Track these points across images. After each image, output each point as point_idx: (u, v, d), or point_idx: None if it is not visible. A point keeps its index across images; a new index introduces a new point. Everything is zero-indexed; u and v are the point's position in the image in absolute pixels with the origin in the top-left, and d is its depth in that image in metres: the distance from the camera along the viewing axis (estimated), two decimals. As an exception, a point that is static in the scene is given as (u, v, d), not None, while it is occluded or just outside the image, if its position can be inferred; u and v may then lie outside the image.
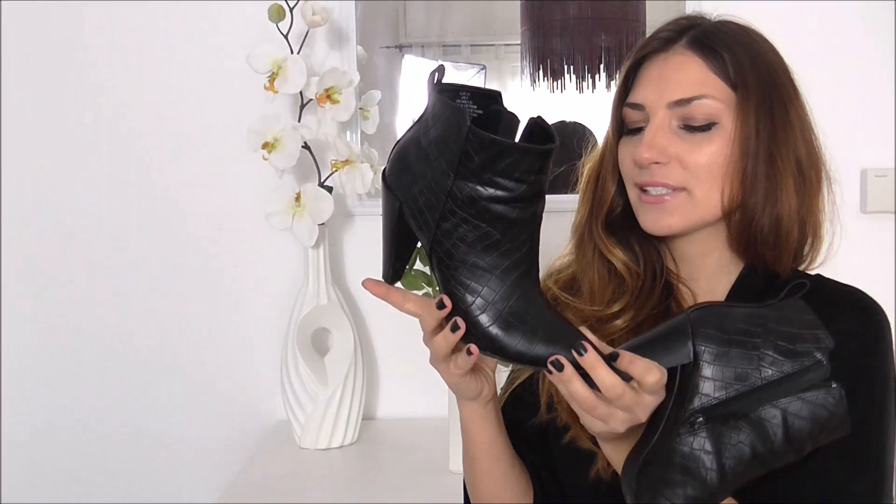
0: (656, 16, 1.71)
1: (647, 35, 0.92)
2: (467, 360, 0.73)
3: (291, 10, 1.53)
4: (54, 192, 1.72)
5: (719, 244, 0.89)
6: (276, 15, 1.51)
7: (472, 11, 1.75)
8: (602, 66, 1.70)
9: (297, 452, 1.56)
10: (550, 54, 1.71)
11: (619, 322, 0.88)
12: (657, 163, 0.84)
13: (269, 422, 1.73)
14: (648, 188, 0.86)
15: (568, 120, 1.74)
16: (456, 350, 0.74)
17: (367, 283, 0.76)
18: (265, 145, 1.49)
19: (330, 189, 1.54)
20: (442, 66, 0.75)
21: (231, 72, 1.65)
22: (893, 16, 1.66)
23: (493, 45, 1.78)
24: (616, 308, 0.89)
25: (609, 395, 0.66)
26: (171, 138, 1.71)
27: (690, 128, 0.84)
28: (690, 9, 1.64)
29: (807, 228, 0.87)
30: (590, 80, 1.71)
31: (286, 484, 1.42)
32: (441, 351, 0.74)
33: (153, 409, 1.75)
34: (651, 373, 0.66)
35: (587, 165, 0.96)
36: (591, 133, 1.73)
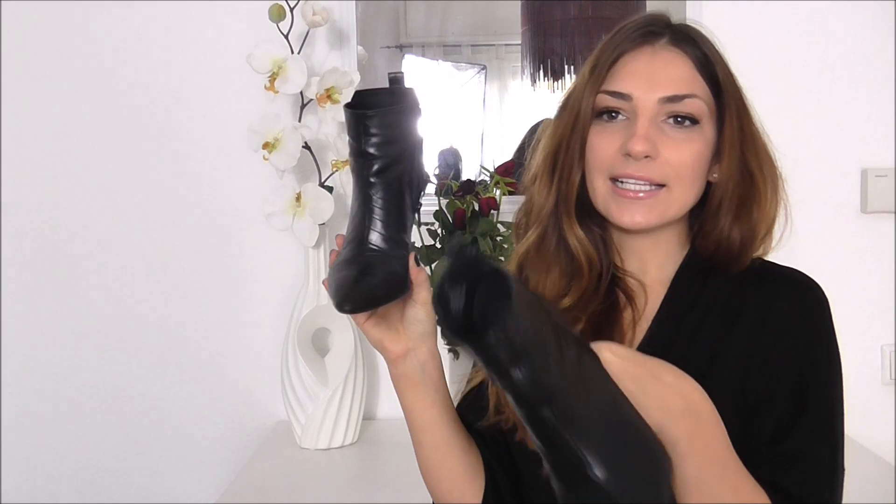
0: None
1: (618, 29, 0.90)
2: None
3: (292, 10, 1.53)
4: (54, 192, 1.72)
5: (671, 237, 0.90)
6: (277, 15, 1.51)
7: (472, 11, 1.75)
8: (602, 66, 1.70)
9: (298, 452, 1.56)
10: (551, 54, 1.72)
11: (568, 319, 0.86)
12: (648, 156, 0.83)
13: (269, 422, 1.73)
14: (625, 181, 0.84)
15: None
16: None
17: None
18: (266, 145, 1.49)
19: (330, 189, 1.54)
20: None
21: (231, 72, 1.65)
22: (893, 16, 1.66)
23: (493, 45, 1.78)
24: (567, 302, 0.88)
25: None
26: (171, 138, 1.71)
27: (678, 124, 0.85)
28: (690, 9, 1.64)
29: (770, 230, 0.89)
30: (590, 80, 1.71)
31: (286, 484, 1.42)
32: None
33: (153, 409, 1.75)
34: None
35: (542, 154, 0.92)
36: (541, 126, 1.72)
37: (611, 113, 0.86)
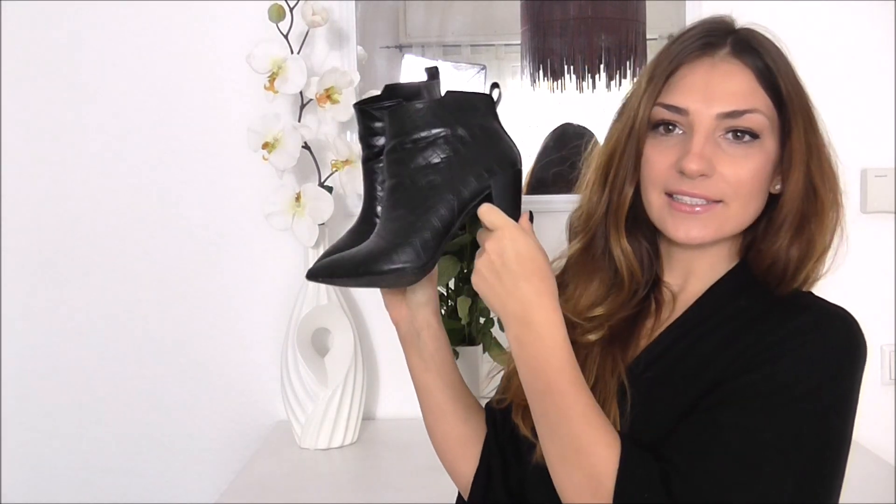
0: (656, 16, 1.72)
1: (679, 36, 0.89)
2: None
3: (291, 10, 1.53)
4: (54, 193, 1.72)
5: (720, 249, 0.88)
6: (277, 15, 1.51)
7: (472, 11, 1.75)
8: (602, 66, 1.70)
9: (297, 452, 1.56)
10: (550, 54, 1.72)
11: (592, 326, 0.87)
12: (704, 175, 0.81)
13: (269, 422, 1.73)
14: (682, 197, 0.82)
15: (574, 123, 1.74)
16: None
17: None
18: (265, 145, 1.49)
19: (330, 189, 1.54)
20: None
21: (231, 72, 1.65)
22: (893, 16, 1.66)
23: (493, 45, 1.78)
24: (599, 312, 0.87)
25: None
26: (171, 138, 1.71)
27: (736, 139, 0.82)
28: (690, 9, 1.64)
29: (825, 249, 0.85)
30: (590, 80, 1.71)
31: (286, 484, 1.42)
32: None
33: (153, 409, 1.75)
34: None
35: (596, 161, 0.91)
36: (592, 136, 1.73)
37: (667, 125, 0.84)
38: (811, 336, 0.76)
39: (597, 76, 1.71)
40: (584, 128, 1.74)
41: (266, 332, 1.71)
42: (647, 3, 1.71)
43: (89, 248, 1.73)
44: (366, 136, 0.89)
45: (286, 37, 1.53)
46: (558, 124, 1.75)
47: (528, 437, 0.85)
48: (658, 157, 0.84)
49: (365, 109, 0.88)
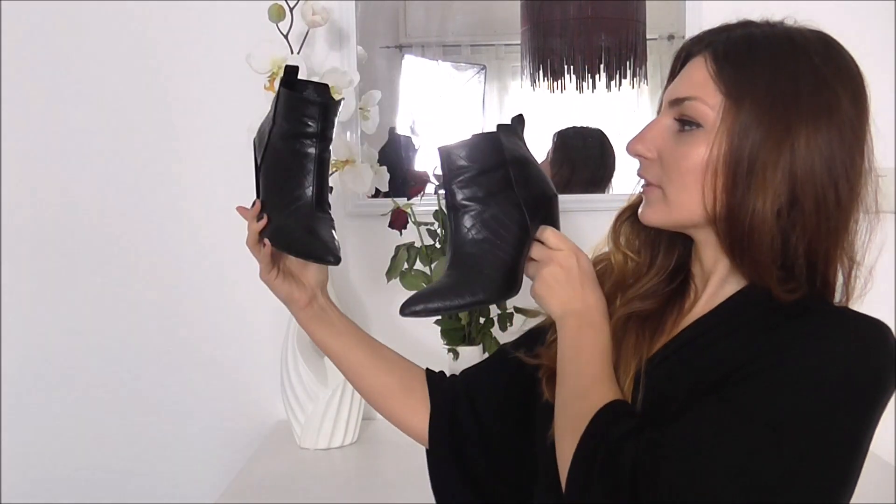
0: (656, 16, 1.72)
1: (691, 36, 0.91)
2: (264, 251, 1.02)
3: (291, 10, 1.53)
4: (54, 192, 1.72)
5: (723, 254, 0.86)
6: (276, 15, 1.51)
7: (472, 11, 1.75)
8: (602, 66, 1.70)
9: (297, 452, 1.56)
10: (550, 54, 1.71)
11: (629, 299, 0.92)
12: (643, 157, 0.86)
13: (269, 422, 1.73)
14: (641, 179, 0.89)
15: (592, 126, 1.75)
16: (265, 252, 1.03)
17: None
18: (265, 145, 1.49)
19: (330, 189, 1.54)
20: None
21: (231, 72, 1.65)
22: (893, 16, 1.66)
23: (493, 45, 1.78)
24: (643, 287, 0.91)
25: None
26: (171, 138, 1.71)
27: (681, 127, 0.84)
28: (690, 9, 1.64)
29: (813, 257, 0.81)
30: (590, 80, 1.71)
31: (286, 484, 1.42)
32: (249, 241, 1.07)
33: (153, 409, 1.75)
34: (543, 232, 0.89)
35: None
36: (604, 136, 1.73)
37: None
38: (824, 338, 0.75)
39: (597, 76, 1.71)
40: (590, 129, 1.74)
41: (266, 332, 1.71)
42: (647, 3, 1.71)
43: (89, 247, 1.73)
44: (325, 129, 0.98)
45: (286, 37, 1.53)
46: (563, 128, 1.75)
47: (549, 400, 0.90)
48: None
49: (334, 103, 0.97)
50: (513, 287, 0.87)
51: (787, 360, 0.73)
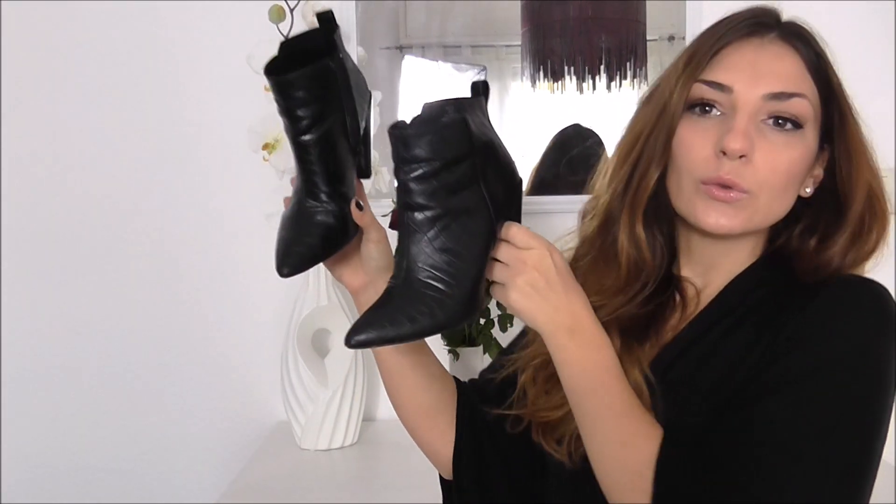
0: (656, 16, 1.71)
1: (723, 19, 0.83)
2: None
3: (292, 10, 1.53)
4: (55, 192, 1.72)
5: (745, 245, 0.83)
6: (277, 16, 1.51)
7: (472, 12, 1.75)
8: (602, 67, 1.70)
9: (298, 453, 1.56)
10: (551, 55, 1.71)
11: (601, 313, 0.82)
12: (744, 156, 0.76)
13: (269, 422, 1.73)
14: (717, 183, 0.77)
15: (580, 125, 1.74)
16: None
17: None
18: (266, 146, 1.49)
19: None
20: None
21: (231, 72, 1.65)
22: (893, 16, 1.65)
23: (493, 45, 1.78)
24: (595, 300, 0.81)
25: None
26: (171, 138, 1.71)
27: (778, 126, 0.77)
28: (690, 9, 1.64)
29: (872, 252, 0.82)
30: (590, 81, 1.71)
31: (286, 484, 1.42)
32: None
33: (153, 409, 1.75)
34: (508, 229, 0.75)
35: (617, 147, 0.86)
36: (598, 138, 1.73)
37: (704, 107, 0.79)
38: (836, 310, 0.73)
39: (597, 77, 1.71)
40: (591, 130, 1.74)
41: (266, 332, 1.71)
42: (647, 3, 1.71)
43: (89, 247, 1.73)
44: (289, 108, 0.81)
45: (286, 37, 1.53)
46: (564, 126, 1.75)
47: (552, 452, 0.84)
48: (695, 140, 0.78)
49: (282, 80, 0.80)
50: (478, 305, 0.73)
51: (823, 344, 0.72)
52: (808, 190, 0.82)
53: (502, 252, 0.75)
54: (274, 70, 0.80)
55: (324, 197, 0.84)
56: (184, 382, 1.74)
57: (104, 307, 1.73)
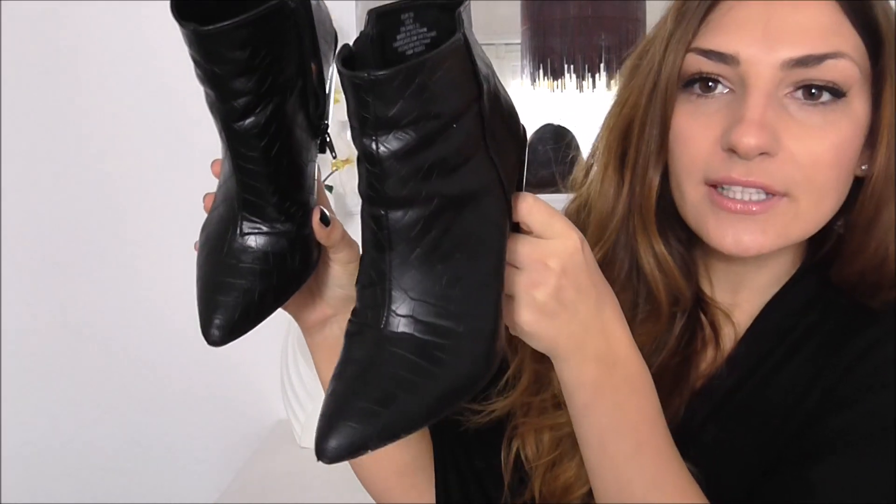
0: (657, 16, 1.71)
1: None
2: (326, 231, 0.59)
3: None
4: (54, 192, 1.72)
5: (783, 256, 0.64)
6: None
7: (472, 11, 1.75)
8: (602, 66, 1.70)
9: (298, 452, 1.56)
10: (551, 53, 1.71)
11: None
12: (765, 153, 0.55)
13: (269, 421, 1.73)
14: (731, 188, 0.57)
15: (554, 123, 1.74)
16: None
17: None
18: (266, 144, 1.49)
19: (330, 188, 1.54)
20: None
21: (231, 71, 1.65)
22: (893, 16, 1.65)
23: (493, 44, 1.78)
24: (646, 350, 0.61)
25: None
26: (171, 138, 1.71)
27: (810, 99, 0.56)
28: (690, 8, 1.64)
29: None
30: (590, 80, 1.71)
31: (286, 483, 1.42)
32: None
33: (153, 409, 1.74)
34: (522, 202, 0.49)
35: (606, 138, 0.68)
36: (572, 136, 1.73)
37: (706, 81, 0.59)
38: None
39: (597, 75, 1.71)
40: (565, 128, 1.74)
41: (266, 331, 1.69)
42: (648, 2, 1.71)
43: (89, 247, 1.72)
44: (217, 76, 0.54)
45: (286, 36, 1.53)
46: (540, 125, 1.75)
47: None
48: (693, 131, 0.59)
49: (205, 32, 0.51)
50: (497, 357, 0.46)
51: (878, 402, 0.56)
52: (864, 167, 0.61)
53: (514, 247, 0.49)
54: (189, 12, 0.47)
55: (271, 212, 0.55)
56: (183, 381, 1.74)
57: (104, 306, 1.73)
